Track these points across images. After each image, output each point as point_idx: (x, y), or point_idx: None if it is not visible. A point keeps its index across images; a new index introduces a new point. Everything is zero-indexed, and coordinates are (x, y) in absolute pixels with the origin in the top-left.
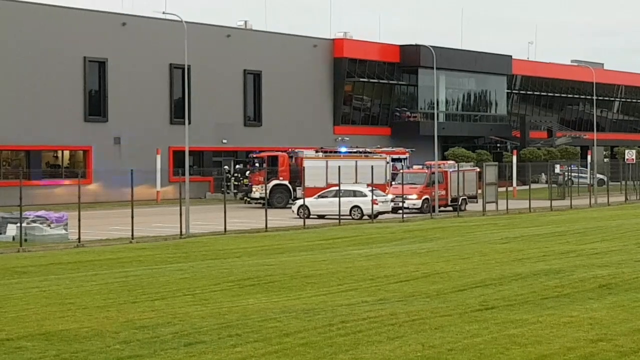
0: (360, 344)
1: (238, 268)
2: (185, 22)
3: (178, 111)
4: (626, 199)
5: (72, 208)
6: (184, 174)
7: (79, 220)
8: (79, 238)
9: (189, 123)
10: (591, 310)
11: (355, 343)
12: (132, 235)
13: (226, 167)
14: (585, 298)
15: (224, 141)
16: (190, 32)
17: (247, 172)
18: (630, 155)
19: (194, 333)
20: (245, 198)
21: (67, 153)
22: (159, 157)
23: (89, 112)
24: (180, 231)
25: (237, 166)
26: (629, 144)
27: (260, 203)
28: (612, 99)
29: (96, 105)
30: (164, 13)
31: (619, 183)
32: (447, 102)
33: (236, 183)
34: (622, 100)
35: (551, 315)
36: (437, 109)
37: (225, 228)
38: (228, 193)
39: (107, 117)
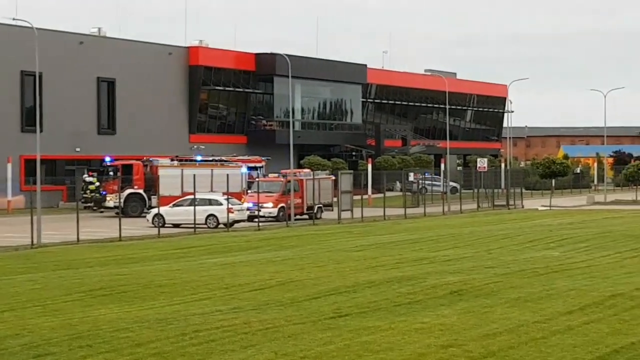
0: (214, 353)
1: (90, 278)
2: (37, 28)
3: (30, 119)
4: (478, 206)
5: None
6: (35, 183)
7: None
8: None
9: (41, 131)
10: (442, 317)
11: (208, 352)
12: None
13: (85, 176)
14: (437, 304)
15: (77, 149)
16: (41, 38)
17: (94, 179)
18: (482, 163)
19: (44, 344)
20: (94, 207)
21: None
22: (9, 166)
23: None
24: (32, 241)
25: (92, 175)
26: (481, 153)
27: (114, 212)
28: (465, 107)
29: None
30: (14, 19)
31: (472, 191)
32: (302, 110)
33: (87, 195)
34: (474, 109)
35: (403, 321)
36: (293, 117)
37: (78, 237)
38: (82, 201)
39: None
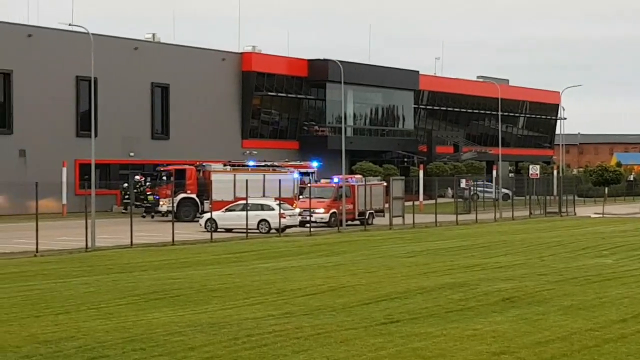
0: (266, 357)
1: (144, 282)
2: (92, 34)
3: (84, 124)
4: (530, 213)
5: None
6: (90, 187)
7: None
8: None
9: (96, 136)
10: (494, 324)
11: (260, 357)
12: (37, 248)
13: (138, 177)
14: (488, 311)
15: (131, 154)
16: (97, 44)
17: (147, 185)
18: (534, 170)
19: (98, 347)
20: (145, 214)
21: None
22: (64, 170)
23: None
24: (86, 244)
25: (137, 178)
26: (533, 159)
27: (164, 215)
28: (517, 114)
29: (1, 117)
30: (70, 25)
31: (524, 198)
32: (354, 116)
33: (142, 197)
34: (527, 116)
35: (455, 328)
36: (345, 123)
37: (131, 241)
38: (125, 211)
39: (12, 129)
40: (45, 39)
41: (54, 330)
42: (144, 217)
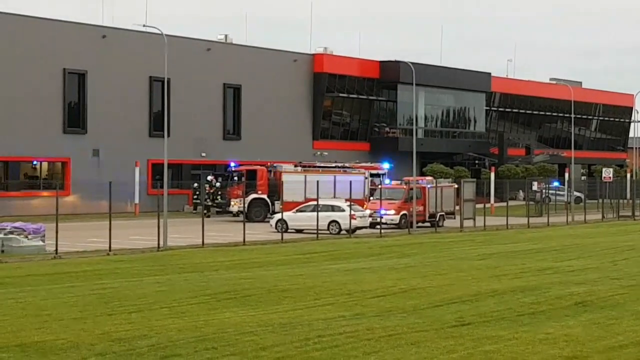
0: (337, 358)
1: (215, 281)
2: (166, 35)
3: (157, 124)
4: (603, 216)
5: (50, 219)
6: (162, 187)
7: (57, 231)
8: (56, 250)
9: (168, 136)
10: (567, 327)
11: (331, 357)
12: (110, 247)
13: (210, 178)
14: (561, 315)
15: (203, 155)
16: (170, 45)
17: (216, 184)
18: (607, 173)
19: (170, 346)
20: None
21: (45, 164)
22: (137, 170)
23: (68, 124)
24: (158, 244)
25: (209, 178)
26: (606, 162)
27: (235, 215)
28: (590, 117)
29: (75, 117)
30: (144, 26)
31: (596, 201)
32: (426, 118)
33: (217, 198)
34: (600, 118)
35: (527, 331)
36: (416, 125)
37: (203, 241)
38: (195, 211)
39: (86, 129)
40: (120, 39)
41: (127, 328)
42: (209, 216)
